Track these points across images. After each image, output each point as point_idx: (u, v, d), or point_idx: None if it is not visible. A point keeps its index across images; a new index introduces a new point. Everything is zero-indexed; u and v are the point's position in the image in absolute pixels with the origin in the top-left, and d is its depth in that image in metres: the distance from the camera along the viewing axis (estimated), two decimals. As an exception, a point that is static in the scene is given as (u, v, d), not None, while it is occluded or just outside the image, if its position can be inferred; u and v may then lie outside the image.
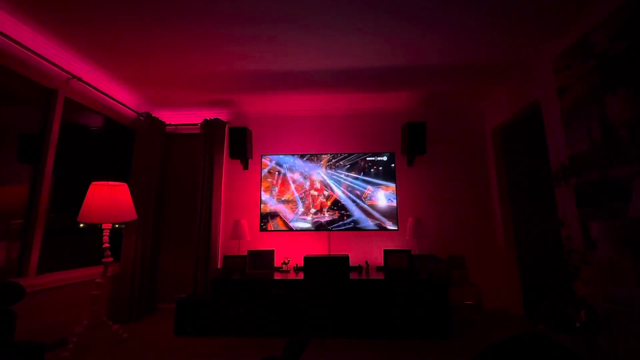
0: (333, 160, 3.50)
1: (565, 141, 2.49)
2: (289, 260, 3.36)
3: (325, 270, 3.05)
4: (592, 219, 2.15)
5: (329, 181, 3.48)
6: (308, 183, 3.48)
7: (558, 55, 2.54)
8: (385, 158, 3.48)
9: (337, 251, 3.55)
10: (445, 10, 2.18)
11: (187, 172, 3.91)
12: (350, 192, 3.45)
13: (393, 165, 3.45)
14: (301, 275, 3.06)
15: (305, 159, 3.53)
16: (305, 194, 3.47)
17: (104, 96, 3.17)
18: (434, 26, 2.34)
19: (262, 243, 3.60)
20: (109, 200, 2.55)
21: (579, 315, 2.11)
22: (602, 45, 2.14)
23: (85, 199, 2.54)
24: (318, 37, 2.47)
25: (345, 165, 3.49)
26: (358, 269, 3.28)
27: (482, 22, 2.30)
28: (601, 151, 2.16)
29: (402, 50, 2.65)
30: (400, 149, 3.70)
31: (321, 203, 3.44)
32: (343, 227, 3.40)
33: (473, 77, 3.15)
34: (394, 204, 3.39)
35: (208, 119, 3.73)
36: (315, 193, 3.47)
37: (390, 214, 3.37)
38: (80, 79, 2.81)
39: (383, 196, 3.41)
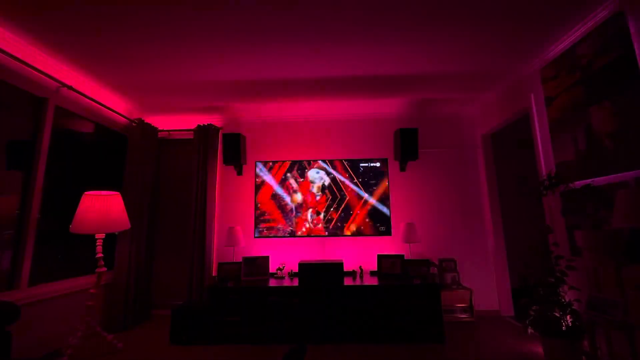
0: (327, 166, 3.53)
1: (552, 150, 2.56)
2: (283, 266, 3.38)
3: (320, 276, 3.08)
4: (578, 227, 2.22)
5: (323, 186, 3.51)
6: (301, 188, 3.51)
7: (546, 66, 2.60)
8: (378, 164, 3.53)
9: (331, 257, 3.58)
10: (437, 20, 2.21)
11: (180, 178, 3.89)
12: (344, 197, 3.49)
13: (386, 171, 3.50)
14: (296, 281, 3.08)
15: (299, 165, 3.56)
16: (296, 199, 3.49)
17: (95, 103, 3.14)
18: (426, 36, 2.38)
19: (257, 249, 3.61)
20: (101, 210, 2.53)
21: (565, 320, 2.19)
22: (588, 57, 2.21)
23: (77, 210, 2.51)
24: (311, 47, 2.48)
25: (338, 171, 3.52)
26: (352, 274, 3.31)
27: (473, 32, 2.34)
28: (586, 161, 2.23)
29: (395, 59, 2.69)
30: (393, 155, 3.75)
31: (311, 212, 3.47)
32: (337, 233, 3.44)
33: (464, 84, 3.21)
34: (387, 209, 3.44)
35: (201, 124, 3.72)
36: (309, 197, 3.50)
37: (383, 219, 3.43)
38: (71, 87, 2.77)
39: (376, 202, 3.46)
